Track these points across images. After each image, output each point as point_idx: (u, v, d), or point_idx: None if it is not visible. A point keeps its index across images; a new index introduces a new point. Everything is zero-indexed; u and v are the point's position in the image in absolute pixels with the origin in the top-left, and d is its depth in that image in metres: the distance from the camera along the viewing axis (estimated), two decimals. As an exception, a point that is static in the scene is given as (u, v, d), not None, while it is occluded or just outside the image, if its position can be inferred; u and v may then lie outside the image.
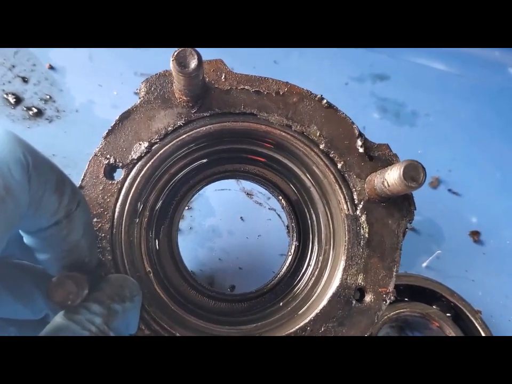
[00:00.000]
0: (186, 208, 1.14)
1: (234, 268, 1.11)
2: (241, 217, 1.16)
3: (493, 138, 1.35)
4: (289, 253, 0.90)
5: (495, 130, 1.36)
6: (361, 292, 0.73)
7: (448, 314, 1.04)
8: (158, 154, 0.74)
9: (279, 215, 1.17)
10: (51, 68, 1.23)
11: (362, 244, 0.74)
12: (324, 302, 0.72)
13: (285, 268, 0.88)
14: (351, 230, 0.74)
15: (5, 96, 1.16)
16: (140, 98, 0.75)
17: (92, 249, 0.63)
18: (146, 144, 0.73)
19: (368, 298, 0.73)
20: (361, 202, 0.75)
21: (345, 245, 0.74)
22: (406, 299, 1.05)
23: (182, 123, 0.75)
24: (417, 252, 1.17)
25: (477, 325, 1.02)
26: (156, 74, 0.75)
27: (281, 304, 0.83)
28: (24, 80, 1.20)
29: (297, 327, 0.71)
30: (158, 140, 0.74)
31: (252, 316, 0.83)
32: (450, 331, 1.01)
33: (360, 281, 0.73)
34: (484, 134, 1.35)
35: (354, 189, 0.76)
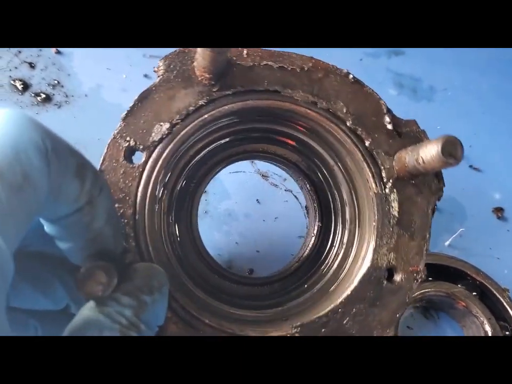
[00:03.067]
0: (203, 193, 1.11)
1: (252, 252, 1.08)
2: (257, 200, 1.13)
3: (514, 111, 1.31)
4: (312, 234, 0.87)
5: (516, 103, 1.32)
6: (391, 271, 0.70)
7: (474, 293, 1.01)
8: (180, 135, 0.70)
9: (296, 196, 1.14)
10: (58, 52, 1.20)
11: (392, 223, 0.71)
12: (355, 283, 0.70)
13: (308, 249, 0.86)
14: (380, 209, 0.71)
15: (12, 82, 1.14)
16: (158, 76, 0.71)
17: (116, 236, 0.59)
18: (167, 125, 0.69)
19: (398, 278, 0.70)
20: (390, 180, 0.72)
21: (374, 225, 0.71)
22: (430, 278, 1.02)
23: (204, 102, 0.70)
24: (439, 230, 1.14)
25: (504, 303, 0.99)
26: (175, 51, 0.71)
27: (306, 286, 0.80)
28: (31, 65, 1.17)
29: (328, 309, 0.68)
30: (179, 121, 0.70)
31: (277, 299, 0.80)
32: (477, 310, 0.98)
33: (391, 261, 0.70)
34: (505, 107, 1.31)
35: (382, 167, 0.72)
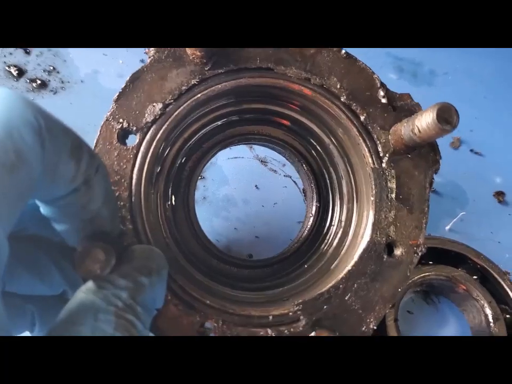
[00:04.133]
0: (199, 177, 1.10)
1: (251, 237, 1.08)
2: (256, 185, 1.12)
3: (515, 95, 1.29)
4: (310, 215, 0.86)
5: (517, 87, 1.30)
6: (391, 246, 0.70)
7: (475, 277, 1.00)
8: (173, 116, 0.69)
9: (295, 182, 1.13)
10: (53, 38, 1.18)
11: (390, 197, 0.71)
12: (355, 258, 0.69)
13: (307, 230, 0.85)
14: (377, 183, 0.71)
15: (7, 68, 1.13)
16: (149, 57, 0.70)
17: (113, 218, 0.59)
18: (160, 105, 0.68)
19: (399, 252, 0.70)
20: (387, 155, 0.71)
21: (372, 199, 0.70)
22: (430, 262, 1.01)
23: (196, 81, 0.70)
24: (440, 214, 1.13)
25: (505, 286, 0.98)
26: None
27: (306, 266, 0.80)
28: (26, 51, 1.16)
29: (329, 286, 0.68)
30: (172, 101, 0.69)
31: (278, 280, 0.80)
32: (478, 293, 0.97)
33: (391, 235, 0.70)
34: (505, 91, 1.29)
35: (378, 141, 0.72)
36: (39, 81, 1.13)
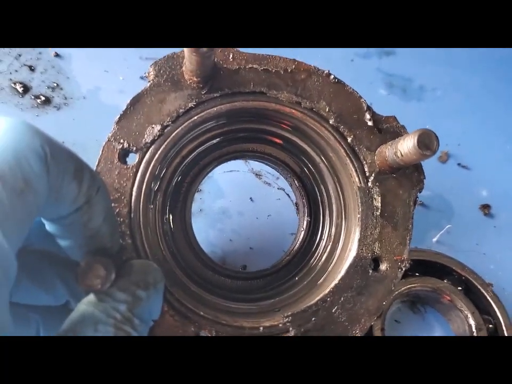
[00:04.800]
0: (196, 191, 1.15)
1: (245, 248, 1.12)
2: (250, 198, 1.16)
3: (502, 110, 1.34)
4: (302, 229, 0.91)
5: (504, 102, 1.34)
6: (377, 261, 0.75)
7: (459, 288, 1.04)
8: (171, 136, 0.74)
9: (288, 194, 1.17)
10: (57, 55, 1.23)
11: (375, 214, 0.75)
12: (342, 273, 0.74)
13: (298, 243, 0.90)
14: (364, 201, 0.76)
15: (13, 85, 1.17)
16: (149, 81, 0.75)
17: (113, 234, 0.64)
18: (159, 127, 0.73)
19: (383, 267, 0.75)
20: (372, 174, 0.76)
21: (358, 217, 0.75)
22: (417, 274, 1.05)
23: (193, 105, 0.75)
24: (427, 227, 1.17)
25: (488, 297, 1.03)
26: (164, 57, 0.75)
27: (297, 278, 0.85)
28: (31, 68, 1.20)
29: (317, 299, 0.73)
30: (170, 123, 0.74)
31: (269, 292, 0.85)
32: (462, 304, 1.02)
33: (376, 251, 0.74)
34: (493, 106, 1.34)
35: (365, 162, 0.76)
36: (43, 98, 1.17)
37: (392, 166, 0.73)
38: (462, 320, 1.02)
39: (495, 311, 1.02)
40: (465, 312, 1.01)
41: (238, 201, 1.16)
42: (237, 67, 0.77)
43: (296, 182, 0.93)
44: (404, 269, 0.75)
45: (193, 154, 0.85)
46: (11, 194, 0.46)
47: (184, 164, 0.84)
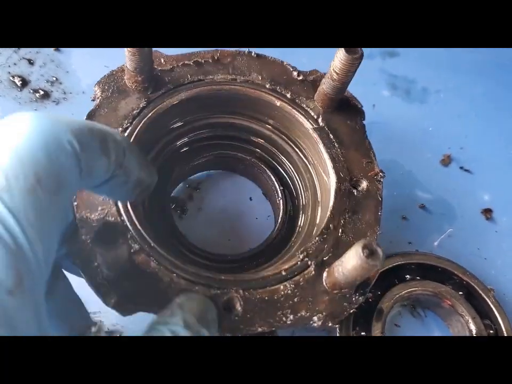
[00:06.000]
0: (196, 190, 1.14)
1: (244, 248, 1.10)
2: (250, 198, 1.15)
3: (505, 115, 1.33)
4: (279, 197, 1.04)
5: (507, 107, 1.34)
6: (356, 182, 0.84)
7: (460, 293, 1.03)
8: (133, 136, 0.79)
9: (288, 195, 1.16)
10: (57, 49, 1.21)
11: (336, 145, 0.86)
12: (332, 200, 0.81)
13: (281, 210, 1.03)
14: (322, 138, 0.87)
15: (11, 78, 1.15)
16: (97, 99, 0.81)
17: (151, 174, 0.66)
18: (120, 129, 0.79)
19: (363, 185, 0.84)
20: (320, 115, 0.89)
21: (325, 150, 0.86)
22: (418, 278, 1.04)
23: (144, 104, 0.83)
24: (428, 230, 1.16)
25: (489, 303, 1.01)
26: (104, 76, 0.85)
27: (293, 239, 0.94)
28: (30, 62, 1.19)
29: (321, 228, 0.79)
30: (129, 124, 0.79)
31: (271, 256, 0.93)
32: (463, 309, 1.00)
33: (351, 174, 0.84)
34: (496, 110, 1.33)
35: (308, 108, 0.89)
36: (42, 92, 1.16)
37: (334, 103, 0.88)
38: (462, 325, 1.01)
39: (496, 317, 1.01)
40: (466, 317, 1.00)
41: (238, 201, 1.14)
42: (171, 67, 0.87)
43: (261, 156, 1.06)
44: (381, 180, 0.85)
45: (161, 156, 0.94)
46: (48, 196, 0.46)
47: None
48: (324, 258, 0.76)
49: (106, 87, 0.82)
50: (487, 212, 1.19)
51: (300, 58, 1.02)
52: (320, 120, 0.88)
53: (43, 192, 0.45)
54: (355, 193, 0.82)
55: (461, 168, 1.25)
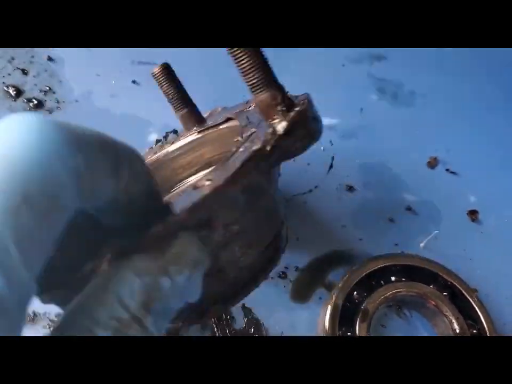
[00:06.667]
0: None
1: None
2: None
3: (492, 116, 1.35)
4: None
5: (495, 107, 1.36)
6: None
7: (444, 294, 1.05)
8: None
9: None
10: (50, 59, 1.24)
11: None
12: None
13: None
14: None
15: (5, 88, 1.18)
16: None
17: (157, 195, 0.53)
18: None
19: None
20: None
21: None
22: (403, 279, 1.07)
23: None
24: (414, 232, 1.18)
25: (472, 303, 1.04)
26: None
27: None
28: (24, 72, 1.22)
29: None
30: None
31: None
32: (447, 309, 1.03)
33: None
34: (484, 112, 1.35)
35: None
36: (35, 101, 1.19)
37: None
38: (446, 325, 1.03)
39: (479, 317, 1.03)
40: (450, 317, 1.02)
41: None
42: None
43: None
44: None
45: None
46: (38, 216, 0.38)
47: None
48: None
49: None
50: (473, 214, 1.22)
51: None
52: None
53: (29, 214, 0.37)
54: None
55: (447, 170, 1.27)
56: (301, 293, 1.09)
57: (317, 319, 1.06)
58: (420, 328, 1.09)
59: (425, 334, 1.08)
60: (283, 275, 1.09)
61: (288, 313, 1.07)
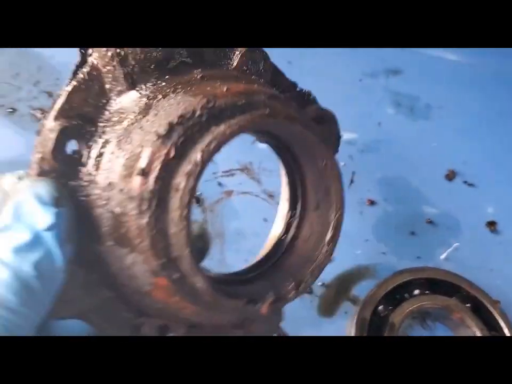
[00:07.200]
0: (211, 210, 1.19)
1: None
2: (264, 219, 1.20)
3: (508, 127, 1.37)
4: None
5: (509, 120, 1.38)
6: None
7: (467, 305, 1.08)
8: None
9: (300, 214, 1.21)
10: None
11: None
12: None
13: None
14: None
15: (33, 112, 1.21)
16: None
17: None
18: None
19: None
20: None
21: None
22: (426, 292, 1.09)
23: None
24: (435, 244, 1.21)
25: (495, 314, 1.06)
26: None
27: None
28: (50, 95, 1.24)
29: None
30: None
31: None
32: (471, 322, 1.05)
33: None
34: (499, 123, 1.38)
35: None
36: (62, 123, 1.21)
37: None
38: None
39: (502, 328, 1.06)
40: (474, 328, 1.05)
41: (252, 222, 1.20)
42: None
43: None
44: None
45: None
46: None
47: None
48: None
49: None
50: (492, 224, 1.24)
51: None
52: None
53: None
54: None
55: (465, 182, 1.29)
56: (327, 307, 1.12)
57: (343, 332, 1.09)
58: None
59: (449, 345, 1.11)
60: (309, 291, 1.12)
61: (315, 328, 1.10)
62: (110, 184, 0.52)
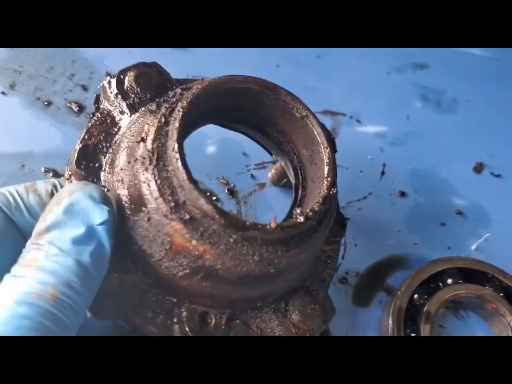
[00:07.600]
0: (244, 202, 1.20)
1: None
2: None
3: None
4: None
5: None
6: None
7: (501, 294, 1.10)
8: None
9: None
10: (108, 74, 1.28)
11: None
12: None
13: None
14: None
15: (68, 105, 1.22)
16: None
17: None
18: None
19: None
20: None
21: None
22: (460, 281, 1.11)
23: None
24: (465, 235, 1.23)
25: (529, 303, 1.08)
26: None
27: None
28: (84, 88, 1.25)
29: None
30: None
31: None
32: (505, 310, 1.07)
33: None
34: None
35: None
36: (97, 116, 1.22)
37: None
38: (504, 325, 1.08)
39: (536, 316, 1.08)
40: (508, 318, 1.07)
41: (284, 214, 1.21)
42: None
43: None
44: None
45: None
46: None
47: None
48: None
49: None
50: (520, 216, 1.26)
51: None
52: None
53: None
54: None
55: (492, 174, 1.31)
56: (362, 297, 1.14)
57: (378, 321, 1.10)
58: (477, 328, 1.13)
59: (482, 334, 1.13)
60: (344, 281, 1.14)
61: (350, 317, 1.11)
62: (122, 169, 0.68)
